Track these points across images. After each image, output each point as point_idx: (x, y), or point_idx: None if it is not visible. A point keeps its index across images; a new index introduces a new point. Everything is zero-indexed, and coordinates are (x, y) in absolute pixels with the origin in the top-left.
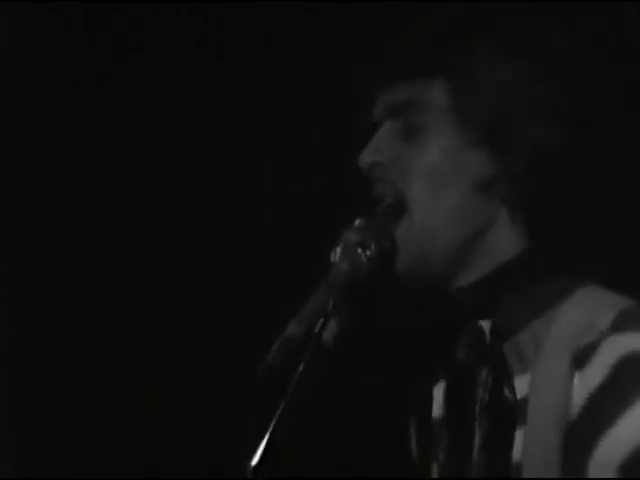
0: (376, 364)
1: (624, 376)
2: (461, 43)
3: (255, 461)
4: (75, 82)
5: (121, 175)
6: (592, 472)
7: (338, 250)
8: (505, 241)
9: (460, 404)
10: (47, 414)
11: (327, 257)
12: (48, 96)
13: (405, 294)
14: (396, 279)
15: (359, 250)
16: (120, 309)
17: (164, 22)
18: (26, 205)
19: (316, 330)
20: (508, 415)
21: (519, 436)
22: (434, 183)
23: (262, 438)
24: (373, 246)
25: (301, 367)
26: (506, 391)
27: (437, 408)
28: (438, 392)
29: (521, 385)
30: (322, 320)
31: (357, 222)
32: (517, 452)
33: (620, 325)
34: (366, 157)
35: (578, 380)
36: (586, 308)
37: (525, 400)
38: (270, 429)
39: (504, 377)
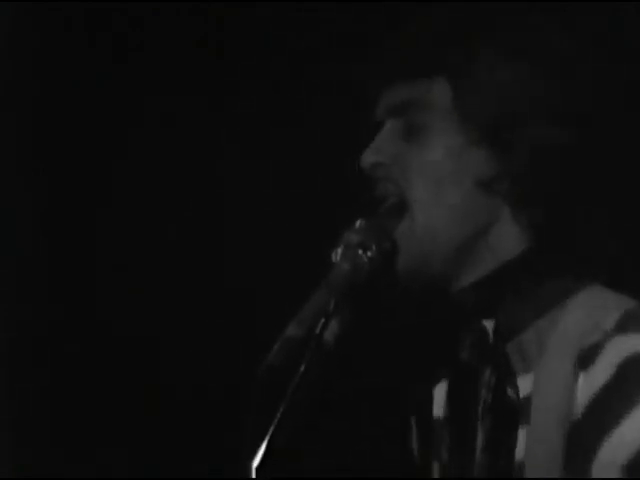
0: (376, 364)
1: (629, 376)
2: (461, 43)
3: (257, 462)
4: (75, 82)
5: (121, 175)
6: (596, 472)
7: (339, 251)
8: (507, 240)
9: (463, 404)
10: (47, 414)
11: (328, 257)
12: (48, 96)
13: (406, 294)
14: (397, 279)
15: (360, 251)
16: (120, 309)
17: (164, 22)
18: (26, 205)
19: (317, 330)
20: (511, 415)
21: (522, 436)
22: (436, 182)
23: (262, 438)
24: (374, 247)
25: (302, 367)
26: (509, 391)
27: (439, 408)
28: (440, 392)
29: (524, 385)
30: (323, 320)
31: (358, 223)
32: (520, 452)
33: (625, 325)
34: (368, 157)
35: (582, 380)
36: (590, 308)
37: (528, 400)
38: (271, 429)
39: (507, 377)
